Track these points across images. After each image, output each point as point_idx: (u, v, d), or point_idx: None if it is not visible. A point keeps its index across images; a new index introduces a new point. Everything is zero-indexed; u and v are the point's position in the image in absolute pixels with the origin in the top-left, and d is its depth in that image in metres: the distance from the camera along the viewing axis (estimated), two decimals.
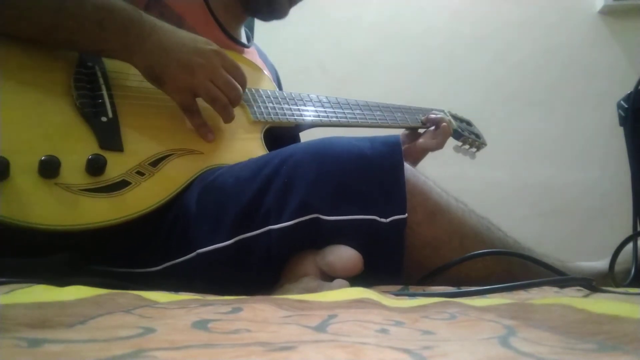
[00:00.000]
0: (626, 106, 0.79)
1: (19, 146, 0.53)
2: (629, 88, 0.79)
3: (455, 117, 1.10)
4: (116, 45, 0.63)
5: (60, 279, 0.44)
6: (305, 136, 0.92)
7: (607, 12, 1.89)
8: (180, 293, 0.45)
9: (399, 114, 0.97)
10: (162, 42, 0.63)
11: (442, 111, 1.09)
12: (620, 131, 0.82)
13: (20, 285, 0.40)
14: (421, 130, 1.00)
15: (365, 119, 0.91)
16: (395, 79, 1.86)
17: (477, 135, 1.13)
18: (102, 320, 0.27)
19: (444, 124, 0.95)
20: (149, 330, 0.23)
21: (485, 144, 1.13)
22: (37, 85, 0.60)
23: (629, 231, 0.71)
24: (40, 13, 0.60)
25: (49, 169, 0.53)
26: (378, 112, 0.93)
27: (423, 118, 0.98)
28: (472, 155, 1.12)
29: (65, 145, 0.56)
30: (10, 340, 0.20)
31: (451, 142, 1.10)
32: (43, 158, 0.53)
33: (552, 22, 1.92)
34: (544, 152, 1.84)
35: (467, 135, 1.08)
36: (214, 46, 0.67)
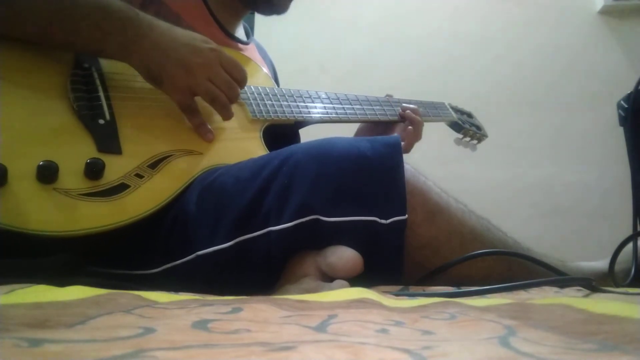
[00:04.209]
0: (626, 106, 0.79)
1: (16, 152, 0.53)
2: (629, 88, 0.79)
3: (455, 109, 1.10)
4: (113, 45, 0.62)
5: (60, 279, 0.44)
6: (305, 134, 0.93)
7: (607, 12, 1.90)
8: (180, 293, 0.45)
9: (398, 109, 0.96)
10: (159, 41, 0.63)
11: (443, 103, 1.08)
12: (620, 131, 0.82)
13: (20, 285, 0.40)
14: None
15: (365, 114, 0.91)
16: (395, 79, 1.86)
17: (478, 127, 1.13)
18: (102, 320, 0.27)
19: (408, 112, 0.93)
20: (149, 330, 0.23)
21: (487, 136, 1.13)
22: (34, 89, 0.60)
23: (629, 231, 0.71)
24: (36, 13, 0.60)
25: (47, 174, 0.52)
26: (377, 107, 0.93)
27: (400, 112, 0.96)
28: (473, 148, 1.11)
29: (63, 149, 0.56)
30: (10, 340, 0.19)
31: (452, 135, 1.10)
32: (41, 163, 0.52)
33: (552, 22, 1.92)
34: (544, 152, 1.84)
35: (468, 128, 1.08)
36: (212, 44, 0.66)
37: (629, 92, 0.79)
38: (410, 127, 0.92)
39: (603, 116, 1.66)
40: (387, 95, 0.98)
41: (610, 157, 1.63)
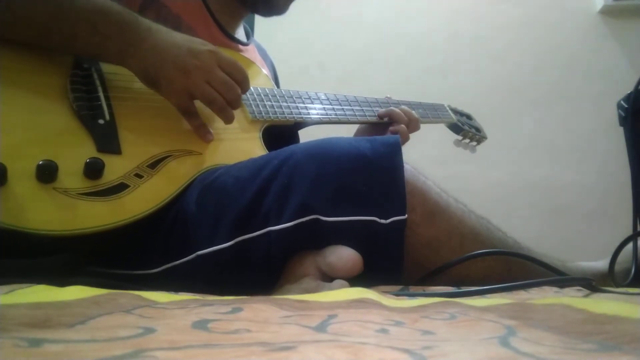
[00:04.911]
0: (626, 106, 0.79)
1: (16, 151, 0.53)
2: (629, 88, 0.79)
3: (455, 111, 1.10)
4: (111, 49, 0.62)
5: (60, 279, 0.44)
6: (305, 134, 0.92)
7: (607, 12, 1.90)
8: (180, 293, 0.45)
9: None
10: (157, 44, 0.63)
11: (442, 105, 1.08)
12: (620, 131, 0.82)
13: (20, 286, 0.40)
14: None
15: (364, 115, 0.91)
16: (395, 78, 1.86)
17: (478, 129, 1.13)
18: (102, 320, 0.27)
19: (396, 112, 0.91)
20: (149, 330, 0.23)
21: (486, 138, 1.13)
22: (33, 89, 0.60)
23: (629, 231, 0.71)
24: (35, 17, 0.60)
25: (47, 173, 0.52)
26: (377, 108, 0.93)
27: (380, 112, 0.93)
28: (473, 149, 1.12)
29: (63, 149, 0.56)
30: (10, 340, 0.20)
31: (452, 135, 1.10)
32: (40, 163, 0.52)
33: (552, 22, 1.92)
34: (544, 152, 1.84)
35: (467, 129, 1.08)
36: (210, 46, 0.66)
37: (629, 92, 0.79)
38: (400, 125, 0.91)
39: (603, 116, 1.66)
40: (387, 97, 0.98)
41: (610, 157, 1.63)
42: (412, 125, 0.93)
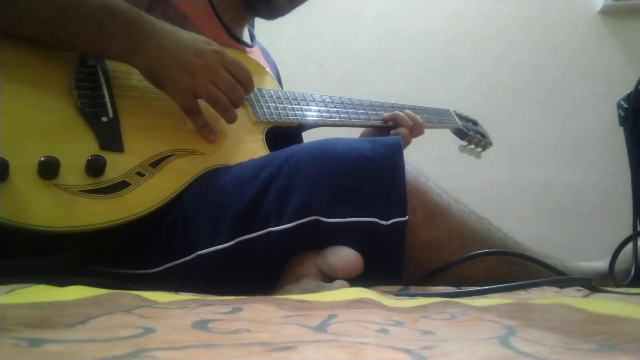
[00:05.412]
0: (626, 106, 0.79)
1: (18, 146, 0.53)
2: (629, 88, 0.79)
3: (460, 117, 1.10)
4: (117, 47, 0.62)
5: (60, 279, 0.44)
6: (308, 136, 0.92)
7: (607, 12, 1.90)
8: (180, 293, 0.45)
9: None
10: (162, 43, 0.63)
11: (448, 110, 1.08)
12: (620, 131, 0.82)
13: (20, 285, 0.40)
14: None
15: (369, 119, 0.91)
16: (395, 78, 1.86)
17: (483, 135, 1.13)
18: (102, 320, 0.27)
19: (401, 116, 0.90)
20: (149, 330, 0.23)
21: (491, 144, 1.13)
22: (38, 85, 0.60)
23: (629, 231, 0.71)
24: (41, 13, 0.60)
25: (48, 169, 0.52)
26: (382, 112, 0.93)
27: (385, 116, 0.92)
28: (478, 155, 1.11)
29: (65, 145, 0.56)
30: (10, 340, 0.20)
31: (456, 141, 1.10)
32: (42, 159, 0.52)
33: (552, 22, 1.92)
34: (544, 152, 1.84)
35: (473, 135, 1.08)
36: (215, 46, 0.66)
37: (629, 92, 0.79)
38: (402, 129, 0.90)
39: (603, 116, 1.66)
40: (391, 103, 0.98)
41: (610, 158, 1.63)
42: (416, 129, 0.92)
